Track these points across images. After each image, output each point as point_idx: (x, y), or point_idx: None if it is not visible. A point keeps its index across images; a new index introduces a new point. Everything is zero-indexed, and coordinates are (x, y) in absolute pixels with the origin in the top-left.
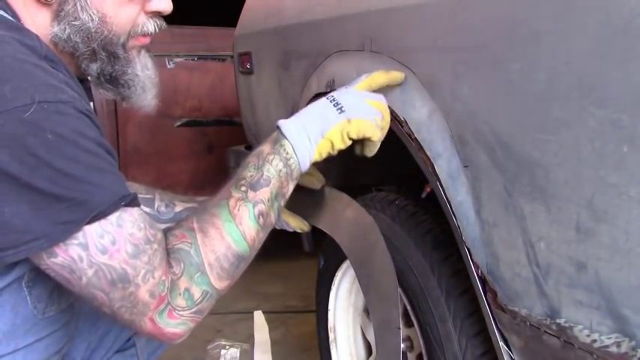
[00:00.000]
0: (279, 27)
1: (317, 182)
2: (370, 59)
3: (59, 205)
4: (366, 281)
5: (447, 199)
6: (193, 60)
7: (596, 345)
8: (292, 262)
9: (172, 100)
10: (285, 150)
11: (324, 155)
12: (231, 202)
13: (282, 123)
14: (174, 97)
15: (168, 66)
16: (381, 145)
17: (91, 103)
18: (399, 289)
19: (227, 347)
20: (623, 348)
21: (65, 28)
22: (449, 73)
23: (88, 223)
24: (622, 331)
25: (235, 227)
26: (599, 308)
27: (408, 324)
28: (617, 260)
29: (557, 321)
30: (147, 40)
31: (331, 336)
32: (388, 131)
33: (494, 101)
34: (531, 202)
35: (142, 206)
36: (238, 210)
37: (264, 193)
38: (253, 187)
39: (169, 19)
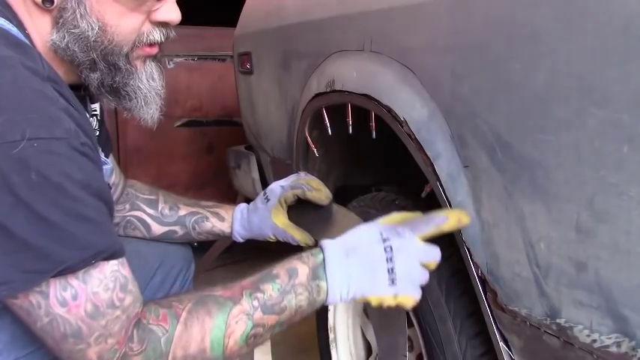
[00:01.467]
0: (279, 27)
1: (325, 198)
2: (370, 59)
3: (28, 253)
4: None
5: (447, 199)
6: (193, 60)
7: (596, 345)
8: None
9: (172, 100)
10: (319, 293)
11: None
12: (235, 310)
13: (331, 258)
14: (174, 97)
15: (168, 66)
16: (381, 145)
17: (96, 105)
18: None
19: None
20: (623, 348)
21: (64, 36)
22: (449, 73)
23: (54, 275)
24: (622, 331)
25: (222, 337)
26: (599, 308)
27: (408, 324)
28: (617, 260)
29: (557, 321)
30: (153, 51)
31: (331, 336)
32: (388, 131)
33: (494, 101)
34: (531, 202)
35: (123, 261)
36: (236, 322)
37: (271, 320)
38: (265, 308)
39: None
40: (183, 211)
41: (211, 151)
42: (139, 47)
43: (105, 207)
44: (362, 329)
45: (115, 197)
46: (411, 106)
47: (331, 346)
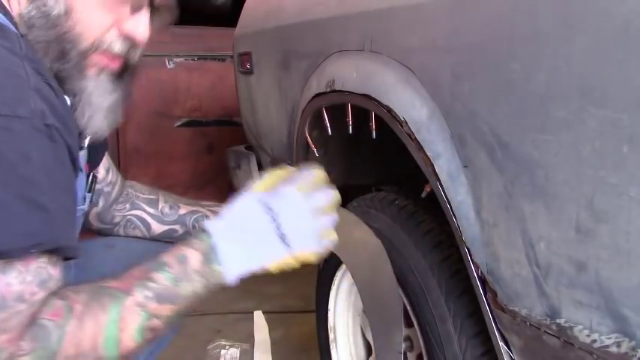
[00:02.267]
0: (279, 27)
1: None
2: (370, 59)
3: None
4: (370, 303)
5: (447, 199)
6: (193, 60)
7: (596, 345)
8: None
9: (172, 100)
10: (214, 276)
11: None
12: (128, 301)
13: (219, 240)
14: (175, 97)
15: (169, 66)
16: (381, 145)
17: None
18: (400, 290)
19: (227, 347)
20: (623, 348)
21: (31, 10)
22: (449, 73)
23: None
24: (622, 331)
25: (116, 333)
26: (599, 308)
27: (408, 324)
28: (617, 260)
29: (557, 321)
30: (111, 64)
31: (331, 336)
32: (388, 131)
33: (494, 101)
34: (531, 202)
35: (57, 261)
36: (129, 314)
37: (166, 310)
38: (160, 299)
39: None
40: (183, 210)
41: (211, 151)
42: (98, 52)
43: (67, 199)
44: (362, 329)
45: (112, 196)
46: (411, 106)
47: (331, 346)
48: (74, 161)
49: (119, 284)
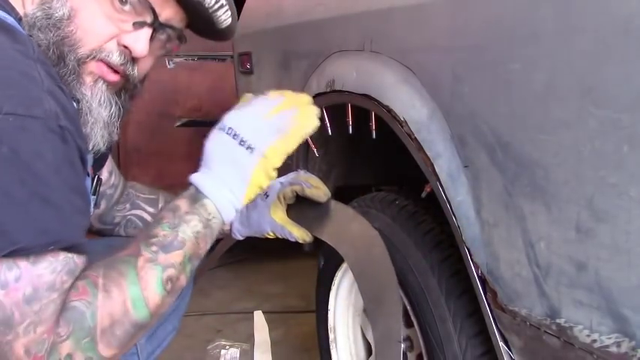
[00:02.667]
0: (279, 27)
1: (323, 195)
2: (370, 59)
3: None
4: (368, 294)
5: (447, 199)
6: (193, 60)
7: (596, 345)
8: (292, 262)
9: (172, 100)
10: (206, 210)
11: (254, 197)
12: (140, 261)
13: (197, 180)
14: (174, 97)
15: (169, 66)
16: (381, 145)
17: None
18: (400, 290)
19: (227, 347)
20: (623, 348)
21: (36, 12)
22: (449, 73)
23: (5, 255)
24: (622, 331)
25: (139, 292)
26: (599, 308)
27: (408, 324)
28: (617, 260)
29: (557, 321)
30: (108, 75)
31: (331, 336)
32: (388, 131)
33: (494, 101)
34: (531, 202)
35: (79, 255)
36: (145, 272)
37: (176, 257)
38: (165, 248)
39: None
40: None
41: None
42: (95, 59)
43: (78, 199)
44: (362, 329)
45: (114, 198)
46: (411, 106)
47: (331, 346)
48: (84, 163)
49: (127, 251)
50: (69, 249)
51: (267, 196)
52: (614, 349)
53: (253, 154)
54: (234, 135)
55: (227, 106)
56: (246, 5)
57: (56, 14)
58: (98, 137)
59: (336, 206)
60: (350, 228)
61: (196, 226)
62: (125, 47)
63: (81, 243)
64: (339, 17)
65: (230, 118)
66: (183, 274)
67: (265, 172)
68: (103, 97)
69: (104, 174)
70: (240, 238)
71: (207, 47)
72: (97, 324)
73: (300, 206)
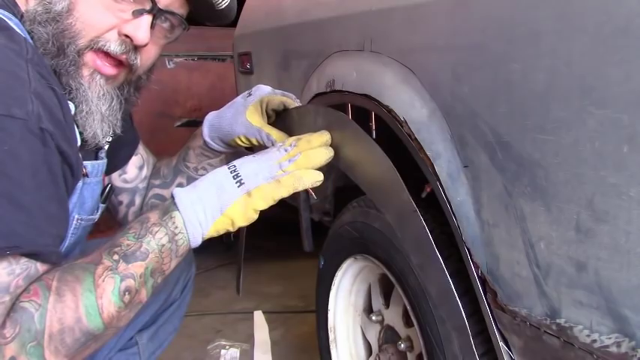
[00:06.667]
0: (279, 27)
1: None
2: (370, 59)
3: None
4: (369, 184)
5: (447, 199)
6: (193, 60)
7: (596, 345)
8: (292, 262)
9: (172, 100)
10: (174, 223)
11: (222, 232)
12: (99, 269)
13: (177, 192)
14: (175, 97)
15: (168, 66)
16: (381, 145)
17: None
18: (400, 290)
19: (227, 347)
20: (623, 348)
21: (36, 7)
22: (449, 73)
23: None
24: (622, 331)
25: (94, 300)
26: (599, 308)
27: (408, 324)
28: (617, 260)
29: (557, 321)
30: (103, 68)
31: (331, 336)
32: (388, 131)
33: (494, 101)
34: (531, 202)
35: (43, 263)
36: (103, 280)
37: (137, 268)
38: (127, 258)
39: None
40: (174, 160)
41: None
42: (94, 49)
43: (53, 206)
44: (362, 329)
45: (143, 197)
46: (411, 106)
47: (331, 346)
48: (71, 168)
49: (88, 258)
50: (31, 255)
51: (250, 95)
52: (614, 349)
53: (239, 188)
54: (234, 171)
55: None
56: (246, 5)
57: (55, 8)
58: (97, 129)
59: (328, 112)
60: (344, 134)
61: (162, 239)
62: (127, 36)
63: (54, 252)
64: (339, 17)
65: (239, 160)
66: (143, 288)
67: (245, 208)
68: (102, 91)
69: (132, 170)
70: (214, 145)
71: (208, 47)
72: (46, 328)
73: (283, 120)
